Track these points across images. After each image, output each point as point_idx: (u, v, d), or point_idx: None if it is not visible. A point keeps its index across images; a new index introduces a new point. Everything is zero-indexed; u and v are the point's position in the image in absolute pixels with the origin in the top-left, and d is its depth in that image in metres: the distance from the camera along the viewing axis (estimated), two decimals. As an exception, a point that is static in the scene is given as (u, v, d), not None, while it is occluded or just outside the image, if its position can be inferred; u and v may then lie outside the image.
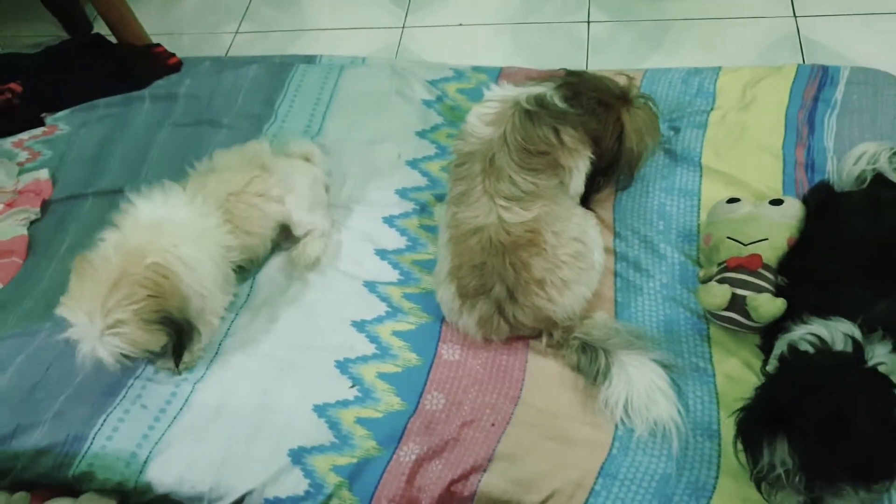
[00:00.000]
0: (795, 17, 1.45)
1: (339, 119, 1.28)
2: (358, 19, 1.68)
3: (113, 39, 1.61)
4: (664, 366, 0.87)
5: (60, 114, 1.41)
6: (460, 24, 1.62)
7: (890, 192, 0.90)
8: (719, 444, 0.83)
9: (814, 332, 0.74)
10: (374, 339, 0.99)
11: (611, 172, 1.04)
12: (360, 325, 1.01)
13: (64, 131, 1.38)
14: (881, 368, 0.69)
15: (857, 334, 0.72)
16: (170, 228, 0.93)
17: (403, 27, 1.64)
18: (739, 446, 0.72)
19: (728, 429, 0.81)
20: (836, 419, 0.65)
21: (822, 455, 0.65)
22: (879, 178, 0.92)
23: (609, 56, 1.47)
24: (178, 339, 0.90)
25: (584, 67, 1.44)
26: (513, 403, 0.90)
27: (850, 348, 0.71)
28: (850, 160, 0.96)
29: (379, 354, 0.98)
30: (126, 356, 0.87)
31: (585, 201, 1.04)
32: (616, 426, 0.86)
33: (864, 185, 0.93)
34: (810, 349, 0.73)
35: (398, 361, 0.96)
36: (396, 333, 0.99)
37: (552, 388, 0.90)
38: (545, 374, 0.92)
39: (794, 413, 0.67)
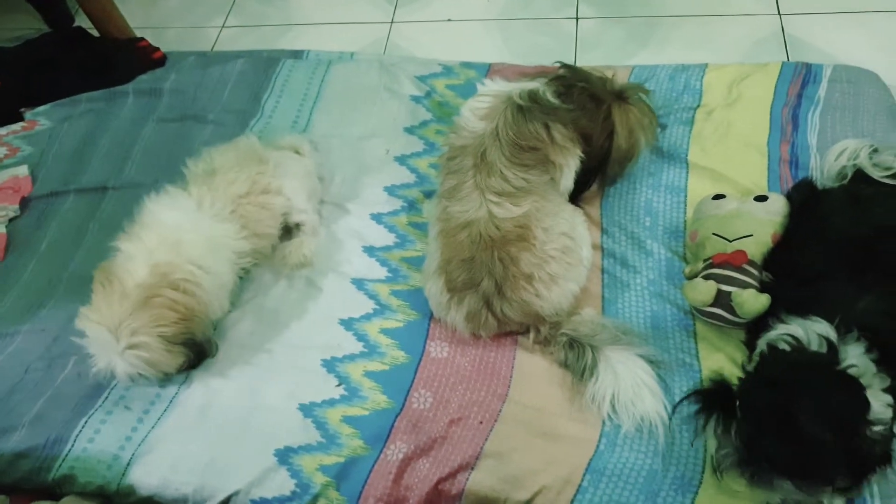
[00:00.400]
0: (780, 14, 1.47)
1: (327, 115, 1.26)
2: (346, 14, 1.67)
3: (95, 33, 1.57)
4: (650, 361, 0.88)
5: (41, 108, 1.38)
6: (449, 20, 1.61)
7: (869, 189, 0.91)
8: (706, 440, 0.84)
9: (790, 332, 0.74)
10: (361, 337, 0.99)
11: (602, 170, 1.04)
12: (347, 323, 1.00)
13: (44, 126, 1.35)
14: (852, 371, 0.69)
15: (832, 335, 0.72)
16: (192, 238, 0.91)
17: (392, 22, 1.63)
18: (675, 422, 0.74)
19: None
20: (780, 413, 0.66)
21: (758, 442, 0.67)
22: (860, 174, 0.93)
23: (597, 53, 1.47)
24: (195, 359, 0.91)
25: (572, 64, 1.44)
26: (500, 401, 0.90)
27: (825, 349, 0.71)
28: (831, 157, 0.97)
29: (366, 352, 0.97)
30: (140, 374, 0.87)
31: (574, 198, 1.04)
32: (603, 422, 0.86)
33: (846, 182, 0.94)
34: (788, 349, 0.74)
35: (385, 359, 0.96)
36: (384, 331, 0.99)
37: (540, 385, 0.91)
38: (533, 370, 0.92)
39: (742, 398, 0.69)
